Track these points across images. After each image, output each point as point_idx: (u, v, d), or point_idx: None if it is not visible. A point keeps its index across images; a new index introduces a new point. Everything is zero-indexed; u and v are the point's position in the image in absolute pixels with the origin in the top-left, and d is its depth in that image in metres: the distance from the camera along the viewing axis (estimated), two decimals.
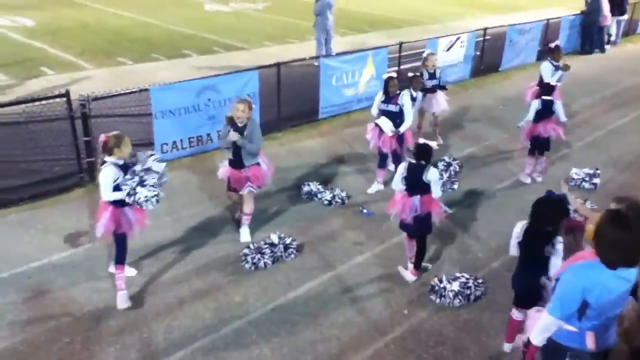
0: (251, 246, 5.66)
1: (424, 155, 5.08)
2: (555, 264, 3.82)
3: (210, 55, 13.58)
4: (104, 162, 4.64)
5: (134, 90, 7.39)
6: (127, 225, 4.76)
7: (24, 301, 4.85)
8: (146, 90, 7.38)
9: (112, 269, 5.08)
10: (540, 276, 3.96)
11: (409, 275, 5.42)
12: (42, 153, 7.23)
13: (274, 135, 8.92)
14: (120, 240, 4.83)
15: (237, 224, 6.13)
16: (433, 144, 5.23)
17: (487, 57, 12.82)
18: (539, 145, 7.35)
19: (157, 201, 4.57)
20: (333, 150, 8.54)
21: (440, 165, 7.61)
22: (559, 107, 7.19)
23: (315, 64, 10.24)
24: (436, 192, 5.11)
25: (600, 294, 2.75)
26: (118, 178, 4.55)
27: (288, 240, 5.75)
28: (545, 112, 7.13)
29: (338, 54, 10.90)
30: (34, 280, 5.13)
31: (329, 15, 12.51)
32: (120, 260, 4.88)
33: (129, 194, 4.50)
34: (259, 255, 5.52)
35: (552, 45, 8.76)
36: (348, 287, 5.27)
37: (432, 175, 5.05)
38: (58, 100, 6.77)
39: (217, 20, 18.35)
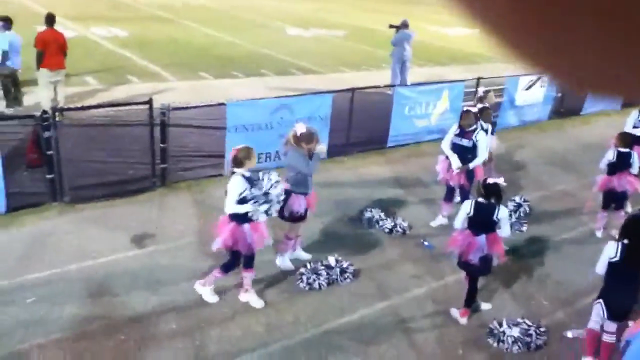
0: (308, 266, 5.65)
1: (494, 193, 4.92)
2: None
3: (286, 76, 13.91)
4: (232, 173, 4.79)
5: (211, 104, 7.67)
6: (244, 244, 4.83)
7: (87, 295, 5.06)
8: (223, 104, 7.63)
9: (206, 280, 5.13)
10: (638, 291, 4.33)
11: (459, 316, 5.21)
12: (120, 155, 7.59)
13: (339, 159, 8.96)
14: (234, 256, 4.97)
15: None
16: (501, 181, 5.07)
17: (569, 99, 12.36)
18: (614, 200, 6.90)
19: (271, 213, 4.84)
20: (399, 179, 8.46)
21: (510, 205, 7.34)
22: (635, 159, 6.70)
23: (389, 92, 10.25)
24: (505, 231, 4.93)
25: None
26: (245, 190, 4.67)
27: (345, 265, 5.70)
28: (620, 164, 6.70)
29: (413, 84, 10.87)
30: (99, 276, 5.35)
31: (406, 46, 12.52)
32: (225, 270, 5.01)
33: (256, 201, 4.69)
34: (314, 276, 5.50)
35: None
36: (402, 319, 5.14)
37: (502, 213, 4.92)
38: (141, 107, 7.11)
39: (296, 43, 18.82)
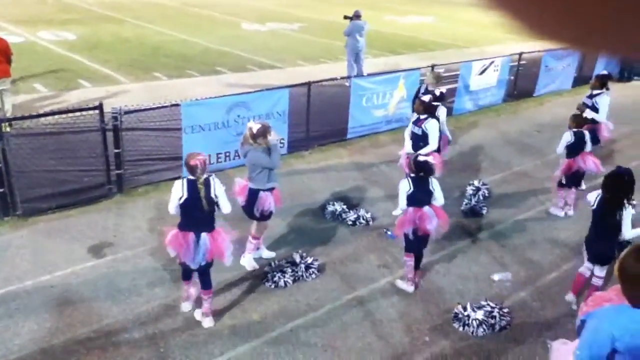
0: (272, 264, 5.61)
1: (424, 169, 5.18)
2: (627, 224, 4.74)
3: (243, 73, 13.75)
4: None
5: (165, 105, 7.51)
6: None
7: (45, 311, 4.90)
8: (177, 105, 7.49)
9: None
10: (615, 238, 4.83)
11: (409, 286, 5.45)
12: (73, 164, 7.36)
13: (301, 153, 8.93)
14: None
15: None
16: (430, 159, 5.33)
17: (522, 82, 12.61)
18: (574, 179, 7.10)
19: None
20: (359, 170, 8.48)
21: (469, 189, 7.47)
22: (587, 138, 6.93)
23: (347, 84, 10.25)
24: (440, 199, 5.22)
25: (630, 341, 2.60)
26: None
27: (310, 260, 5.69)
28: (577, 145, 6.88)
29: (370, 75, 10.90)
30: (57, 290, 5.19)
31: (358, 37, 12.54)
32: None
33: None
34: (279, 274, 5.47)
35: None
36: (369, 310, 5.16)
37: (435, 185, 5.22)
38: (92, 112, 6.91)
39: (253, 39, 18.63)
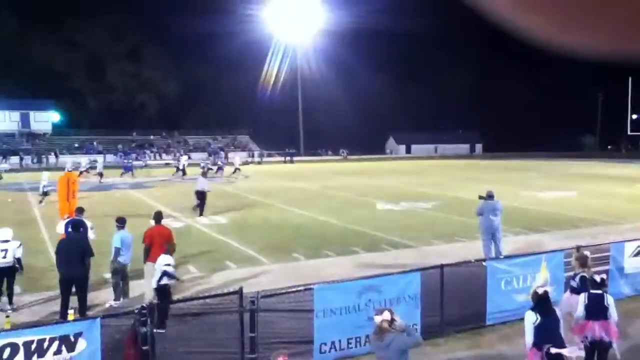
0: None
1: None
2: None
3: (377, 252, 13.97)
4: None
5: (299, 288, 7.77)
6: None
7: None
8: (310, 289, 7.70)
9: None
10: None
11: None
12: (212, 345, 7.67)
13: (436, 341, 8.45)
14: None
15: None
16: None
17: None
18: None
19: None
20: None
21: None
22: None
23: (482, 265, 9.89)
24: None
25: None
26: None
27: None
28: None
29: (508, 257, 10.46)
30: None
31: (491, 217, 12.38)
32: None
33: None
34: None
35: None
36: None
37: None
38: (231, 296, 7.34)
39: (387, 217, 19.22)
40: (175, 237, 10.38)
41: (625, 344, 8.27)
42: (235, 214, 20.09)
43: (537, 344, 5.93)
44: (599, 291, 6.79)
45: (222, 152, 60.01)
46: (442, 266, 8.86)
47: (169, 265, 8.84)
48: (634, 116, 58.38)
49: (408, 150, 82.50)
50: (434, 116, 79.89)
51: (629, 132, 60.43)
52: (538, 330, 5.44)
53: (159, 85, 72.81)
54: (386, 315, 5.49)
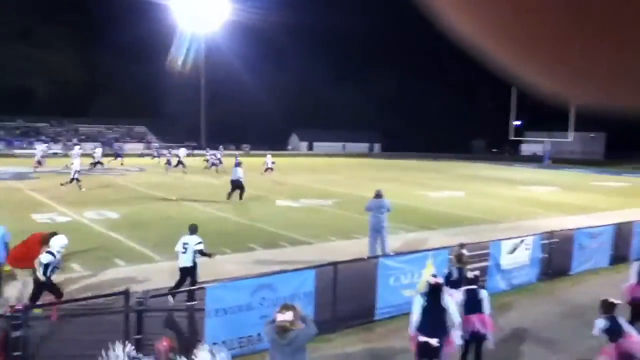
0: None
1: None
2: None
3: (275, 249, 14.00)
4: None
5: (191, 287, 7.59)
6: None
7: None
8: (202, 287, 7.55)
9: None
10: None
11: None
12: (94, 348, 7.28)
13: (328, 336, 8.63)
14: None
15: None
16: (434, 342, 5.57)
17: (557, 259, 12.33)
18: None
19: None
20: (387, 357, 8.05)
21: None
22: None
23: (374, 261, 10.24)
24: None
25: None
26: None
27: None
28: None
29: (398, 254, 10.91)
30: None
31: (378, 215, 12.91)
32: None
33: None
34: None
35: None
36: None
37: None
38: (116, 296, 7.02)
39: (286, 214, 19.32)
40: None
41: (498, 334, 8.95)
42: (129, 208, 19.21)
43: (419, 329, 6.47)
44: (474, 286, 7.28)
45: (117, 144, 57.08)
46: (335, 263, 9.06)
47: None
48: (516, 123, 63.43)
49: (310, 148, 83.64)
50: (335, 114, 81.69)
51: (510, 138, 65.64)
52: (423, 315, 5.96)
53: (56, 70, 67.74)
54: (289, 316, 5.47)
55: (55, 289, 8.27)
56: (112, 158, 38.90)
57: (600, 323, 6.56)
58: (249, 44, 68.54)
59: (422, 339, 6.33)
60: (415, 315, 6.37)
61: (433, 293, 6.53)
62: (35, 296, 8.03)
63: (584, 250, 12.84)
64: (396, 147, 79.00)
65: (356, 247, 13.46)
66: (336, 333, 8.80)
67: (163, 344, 4.69)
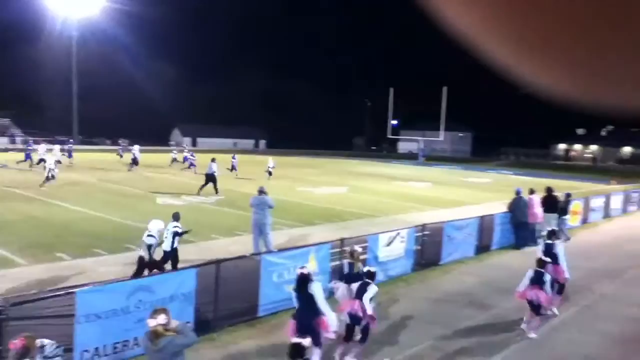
0: None
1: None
2: None
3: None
4: None
5: (59, 293, 7.06)
6: None
7: None
8: (71, 292, 7.05)
9: None
10: None
11: None
12: None
13: (210, 335, 8.48)
14: None
15: None
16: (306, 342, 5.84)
17: (429, 251, 13.18)
18: None
19: None
20: (271, 355, 8.10)
21: None
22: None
23: (257, 258, 10.24)
24: None
25: None
26: None
27: None
28: None
29: (281, 250, 11.00)
30: None
31: (258, 212, 12.99)
32: None
33: None
34: None
35: None
36: None
37: None
38: None
39: (167, 213, 18.58)
40: None
41: (382, 320, 9.38)
42: None
43: (293, 316, 7.14)
44: (368, 281, 7.96)
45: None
46: (218, 262, 8.92)
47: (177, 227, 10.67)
48: (393, 122, 66.82)
49: (194, 144, 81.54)
50: (220, 109, 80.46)
51: (388, 136, 69.09)
52: (296, 311, 6.34)
53: None
54: (161, 319, 5.32)
55: (158, 265, 10.10)
56: None
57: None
58: (128, 32, 65.32)
59: (295, 340, 6.63)
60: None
61: (297, 282, 6.98)
62: (137, 272, 9.72)
63: (452, 241, 13.85)
64: (281, 144, 79.62)
65: (240, 245, 13.38)
66: (219, 332, 8.68)
67: (15, 342, 4.30)
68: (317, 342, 6.89)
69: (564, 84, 0.39)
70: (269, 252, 11.19)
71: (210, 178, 23.73)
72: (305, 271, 7.05)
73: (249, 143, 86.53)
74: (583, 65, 0.38)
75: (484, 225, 15.10)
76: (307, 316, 6.89)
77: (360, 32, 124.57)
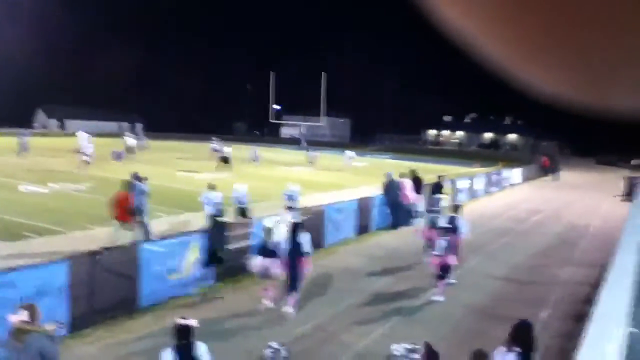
0: None
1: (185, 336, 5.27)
2: None
3: (18, 241, 12.33)
4: None
5: None
6: None
7: None
8: None
9: None
10: None
11: None
12: None
13: (85, 332, 7.97)
14: None
15: None
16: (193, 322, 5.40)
17: (312, 234, 13.38)
18: None
19: None
20: (151, 348, 7.80)
21: (268, 352, 7.31)
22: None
23: (136, 247, 9.77)
24: None
25: None
26: None
27: None
28: None
29: (162, 238, 10.59)
30: None
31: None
32: None
33: None
34: None
35: None
36: None
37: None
38: None
39: (31, 201, 17.14)
40: None
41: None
42: None
43: None
44: None
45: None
46: (93, 253, 8.38)
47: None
48: (276, 107, 67.05)
49: (62, 126, 75.40)
50: (93, 91, 75.18)
51: (271, 120, 69.21)
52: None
53: None
54: (24, 316, 4.92)
55: None
56: None
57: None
58: None
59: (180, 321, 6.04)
60: None
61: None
62: None
63: (333, 223, 14.24)
64: (158, 127, 76.35)
65: (118, 234, 12.66)
66: (94, 327, 8.18)
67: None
68: None
69: (564, 84, 0.40)
70: (149, 240, 10.74)
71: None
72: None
73: (124, 126, 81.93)
74: (582, 67, 0.39)
75: (363, 207, 15.73)
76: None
77: (242, 16, 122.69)
